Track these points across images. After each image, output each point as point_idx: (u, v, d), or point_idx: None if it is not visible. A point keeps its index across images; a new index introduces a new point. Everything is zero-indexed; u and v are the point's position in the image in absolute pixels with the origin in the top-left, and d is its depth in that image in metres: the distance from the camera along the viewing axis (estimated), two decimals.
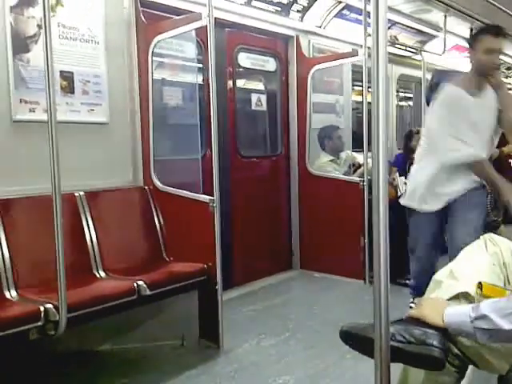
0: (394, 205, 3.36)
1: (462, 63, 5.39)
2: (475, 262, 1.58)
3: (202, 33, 2.80)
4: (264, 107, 4.36)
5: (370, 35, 1.11)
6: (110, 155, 3.01)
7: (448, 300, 1.44)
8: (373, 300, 1.10)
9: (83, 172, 2.83)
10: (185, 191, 2.95)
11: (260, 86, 4.48)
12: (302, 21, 4.27)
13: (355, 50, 4.07)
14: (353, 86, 4.79)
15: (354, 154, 4.44)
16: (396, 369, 1.47)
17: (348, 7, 4.39)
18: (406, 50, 5.41)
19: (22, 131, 2.62)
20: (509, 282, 1.57)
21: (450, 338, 1.37)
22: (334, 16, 4.44)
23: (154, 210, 3.08)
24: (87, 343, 2.76)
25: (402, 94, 6.27)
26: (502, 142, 3.15)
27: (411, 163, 3.23)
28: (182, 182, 3.07)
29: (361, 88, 4.14)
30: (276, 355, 2.74)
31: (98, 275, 2.70)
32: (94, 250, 2.74)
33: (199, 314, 2.85)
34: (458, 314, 1.33)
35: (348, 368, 2.52)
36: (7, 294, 2.35)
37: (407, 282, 3.44)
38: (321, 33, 4.48)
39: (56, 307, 2.12)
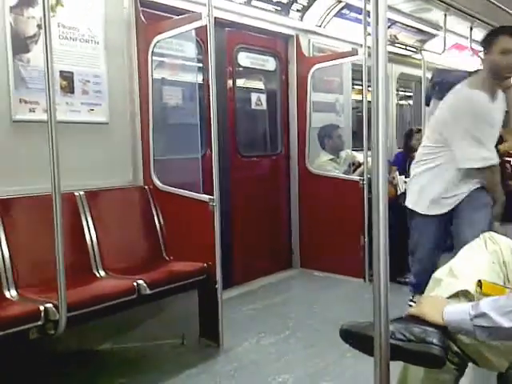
0: (394, 204, 3.36)
1: (462, 62, 5.40)
2: (475, 261, 1.58)
3: (201, 32, 2.80)
4: (264, 106, 4.36)
5: (369, 34, 1.11)
6: (110, 155, 3.02)
7: (448, 298, 1.45)
8: (373, 298, 1.10)
9: (83, 172, 2.84)
10: (185, 191, 2.95)
11: (260, 85, 4.48)
12: (301, 20, 4.28)
13: (355, 49, 4.07)
14: (353, 85, 4.80)
15: (353, 152, 4.44)
16: (396, 367, 1.47)
17: (348, 6, 4.39)
18: (405, 49, 5.41)
19: (22, 131, 2.63)
20: (508, 281, 1.57)
21: (449, 336, 1.38)
22: (334, 15, 4.44)
23: (153, 209, 3.09)
24: (87, 342, 2.76)
25: (401, 93, 6.27)
26: (498, 140, 3.14)
27: (411, 162, 3.20)
28: (182, 182, 3.08)
29: (361, 87, 4.14)
30: (276, 354, 2.75)
31: (97, 274, 2.70)
32: (93, 250, 2.74)
33: (199, 312, 2.85)
34: (457, 312, 1.34)
35: (348, 367, 2.52)
36: (7, 294, 2.35)
37: (406, 280, 3.41)
38: (321, 32, 4.48)
39: (56, 307, 2.12)
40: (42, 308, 2.12)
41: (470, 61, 5.41)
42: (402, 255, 3.33)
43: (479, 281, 1.46)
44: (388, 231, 1.09)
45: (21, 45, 2.61)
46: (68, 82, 2.81)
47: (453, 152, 2.74)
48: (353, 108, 4.88)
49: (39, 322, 2.11)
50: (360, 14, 4.12)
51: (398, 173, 4.19)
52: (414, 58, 5.58)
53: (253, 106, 4.28)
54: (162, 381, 2.45)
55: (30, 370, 2.45)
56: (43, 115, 2.25)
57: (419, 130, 4.53)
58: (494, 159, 2.71)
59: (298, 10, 4.18)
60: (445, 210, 2.82)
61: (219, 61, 3.35)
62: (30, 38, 2.64)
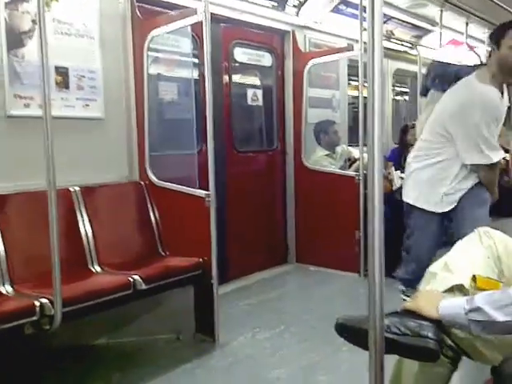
0: (390, 199, 3.37)
1: (457, 58, 5.40)
2: (470, 255, 1.59)
3: (197, 28, 2.79)
4: (260, 102, 4.35)
5: (365, 30, 1.11)
6: (106, 150, 3.01)
7: (443, 292, 1.46)
8: (368, 293, 1.11)
9: (78, 167, 2.83)
10: (180, 186, 2.95)
11: (256, 80, 4.47)
12: (297, 16, 4.27)
13: (351, 45, 4.07)
14: (349, 80, 4.80)
15: (349, 148, 4.44)
16: (390, 360, 1.48)
17: (344, 2, 4.38)
18: (401, 44, 5.42)
19: (17, 126, 2.61)
20: (503, 275, 1.58)
21: (443, 330, 1.39)
22: (330, 11, 4.43)
23: (149, 204, 3.08)
24: (83, 337, 2.76)
25: (397, 89, 6.28)
26: None
27: (406, 157, 3.18)
28: (177, 177, 3.07)
29: (357, 83, 4.14)
30: (271, 348, 2.76)
31: (93, 270, 2.70)
32: (89, 245, 2.73)
33: (195, 308, 2.86)
34: (452, 307, 1.35)
35: (343, 360, 2.54)
36: (2, 289, 2.34)
37: (398, 274, 3.13)
38: (317, 28, 4.47)
39: (51, 302, 2.12)
40: (37, 303, 2.11)
41: (466, 56, 5.41)
42: (397, 250, 3.32)
43: (474, 275, 1.47)
44: (383, 226, 1.10)
45: (15, 40, 2.59)
46: (63, 78, 2.80)
47: (457, 147, 2.67)
48: (349, 104, 4.88)
49: (34, 318, 2.10)
50: (356, 9, 4.11)
51: (393, 168, 4.20)
52: (409, 54, 5.59)
53: (249, 102, 4.27)
54: (158, 375, 2.46)
55: (26, 365, 2.45)
56: (38, 111, 2.24)
57: (414, 126, 4.54)
58: (499, 157, 2.67)
59: (294, 6, 4.17)
60: (450, 207, 2.74)
61: (215, 56, 3.33)
62: (24, 33, 2.62)
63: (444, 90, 2.81)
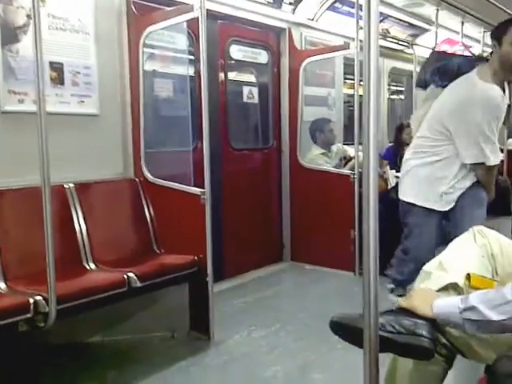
0: (384, 197, 3.37)
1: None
2: (464, 254, 1.60)
3: (193, 24, 2.78)
4: (256, 100, 4.35)
5: (362, 28, 1.11)
6: (101, 147, 2.99)
7: (437, 291, 1.46)
8: (362, 291, 1.11)
9: (73, 164, 2.81)
10: (176, 183, 2.94)
11: (252, 78, 4.46)
12: (294, 13, 4.26)
13: (347, 43, 4.06)
14: (344, 79, 4.80)
15: (345, 147, 4.45)
16: (385, 359, 1.48)
17: (340, 0, 4.38)
18: (397, 43, 5.42)
19: (11, 122, 2.60)
20: (497, 274, 1.58)
21: (438, 328, 1.39)
22: (327, 9, 4.43)
23: (144, 202, 3.07)
24: (77, 335, 2.75)
25: (393, 88, 6.29)
26: None
27: (402, 156, 3.17)
28: (172, 174, 3.06)
29: (352, 81, 4.14)
30: (266, 346, 2.76)
31: (87, 267, 2.69)
32: (83, 242, 2.72)
33: (190, 305, 2.85)
34: (447, 306, 1.35)
35: (337, 359, 2.54)
36: None
37: (391, 274, 3.04)
38: (313, 25, 4.47)
39: (45, 299, 2.11)
40: (31, 300, 2.10)
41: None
42: (391, 249, 3.33)
43: (468, 274, 1.47)
44: (378, 225, 1.10)
45: (10, 35, 2.58)
46: (58, 73, 2.78)
47: (456, 145, 2.62)
48: (344, 102, 4.88)
49: (28, 315, 2.09)
50: (352, 7, 4.11)
51: (388, 167, 4.21)
52: (405, 53, 5.60)
53: (244, 99, 4.27)
54: (153, 373, 2.45)
55: (21, 362, 2.44)
56: (32, 106, 2.23)
57: (410, 125, 4.55)
58: (499, 157, 2.64)
59: (290, 3, 4.17)
60: (449, 206, 2.71)
61: (211, 53, 3.33)
62: (19, 28, 2.60)
63: (444, 86, 2.75)
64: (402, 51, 5.61)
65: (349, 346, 1.41)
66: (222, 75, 3.94)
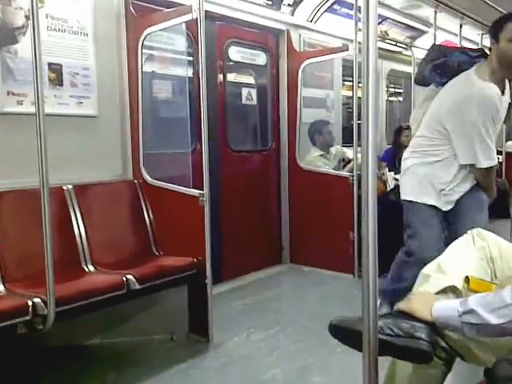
0: (383, 199, 3.38)
1: None
2: (463, 257, 1.60)
3: (192, 26, 2.78)
4: (254, 101, 4.35)
5: (360, 30, 1.11)
6: (99, 148, 2.99)
7: (436, 294, 1.46)
8: (361, 294, 1.11)
9: (72, 165, 2.81)
10: (174, 185, 2.94)
11: (250, 80, 4.46)
12: (292, 15, 4.27)
13: (346, 45, 4.07)
14: (343, 80, 4.80)
15: (343, 148, 4.45)
16: (384, 362, 1.48)
17: (339, 2, 4.38)
18: (396, 45, 5.43)
19: (10, 124, 2.59)
20: (496, 277, 1.58)
21: (437, 332, 1.39)
22: (325, 10, 4.43)
23: (143, 203, 3.07)
24: (76, 337, 2.75)
25: (391, 90, 6.29)
26: None
27: (400, 158, 3.15)
28: (171, 176, 3.06)
29: (351, 83, 4.14)
30: (265, 349, 2.75)
31: (86, 269, 2.68)
32: (82, 244, 2.72)
33: (189, 308, 2.85)
34: (446, 309, 1.35)
35: (337, 362, 2.54)
36: None
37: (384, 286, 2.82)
38: (312, 27, 4.47)
39: (44, 301, 2.10)
40: (29, 303, 2.10)
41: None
42: (391, 251, 3.32)
43: (466, 277, 1.47)
44: (377, 227, 1.10)
45: (8, 36, 2.57)
46: (57, 75, 2.78)
47: (453, 144, 2.58)
48: (343, 104, 4.89)
49: (27, 317, 2.09)
50: (351, 9, 4.11)
51: (387, 169, 4.21)
52: (404, 55, 5.61)
53: (243, 101, 4.27)
54: (152, 376, 2.45)
55: (20, 364, 2.43)
56: (31, 108, 2.22)
57: (408, 127, 4.55)
58: (493, 160, 2.58)
59: (289, 5, 4.17)
60: (449, 207, 2.66)
61: (210, 55, 3.33)
62: (17, 29, 2.60)
63: (443, 84, 2.69)
64: (400, 53, 5.61)
65: (348, 349, 1.41)
66: (220, 77, 3.94)
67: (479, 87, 2.49)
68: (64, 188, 2.76)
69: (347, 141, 4.33)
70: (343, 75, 4.68)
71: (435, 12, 4.80)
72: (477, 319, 1.27)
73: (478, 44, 5.53)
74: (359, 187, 3.59)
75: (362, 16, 1.08)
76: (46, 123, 2.06)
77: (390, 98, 6.33)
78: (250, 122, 4.57)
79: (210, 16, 3.41)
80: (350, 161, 4.31)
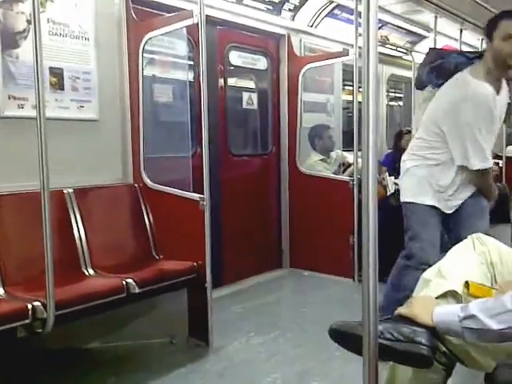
0: (384, 204, 3.37)
1: None
2: (463, 261, 1.60)
3: (193, 30, 2.79)
4: (255, 106, 4.36)
5: (361, 35, 1.11)
6: (100, 152, 2.99)
7: (436, 298, 1.46)
8: (361, 298, 1.11)
9: (72, 169, 2.81)
10: (175, 189, 2.94)
11: (251, 84, 4.47)
12: (293, 20, 4.28)
13: (346, 50, 4.08)
14: (343, 85, 4.81)
15: (344, 153, 4.45)
16: (384, 366, 1.48)
17: (339, 7, 4.40)
18: (396, 50, 5.44)
19: (11, 127, 2.60)
20: (496, 281, 1.58)
21: (437, 336, 1.39)
22: (326, 15, 4.44)
23: (143, 207, 3.07)
24: (76, 341, 2.74)
25: (392, 94, 6.31)
26: None
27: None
28: (172, 180, 3.06)
29: (351, 87, 4.15)
30: (265, 353, 2.75)
31: (86, 273, 2.68)
32: (82, 248, 2.72)
33: (189, 312, 2.84)
34: (446, 314, 1.35)
35: (337, 366, 2.53)
36: None
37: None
38: (312, 32, 4.48)
39: (44, 305, 2.10)
40: (29, 306, 2.09)
41: None
42: (391, 256, 3.31)
43: (466, 282, 1.47)
44: (377, 231, 1.10)
45: (10, 40, 2.58)
46: (58, 79, 2.79)
47: (449, 146, 2.54)
48: (343, 108, 4.89)
49: (27, 321, 2.09)
50: (351, 14, 4.12)
51: (387, 173, 4.21)
52: (404, 60, 5.62)
53: (244, 105, 4.28)
54: (152, 380, 2.44)
55: (20, 368, 2.43)
56: (32, 112, 2.23)
57: (409, 132, 4.55)
58: (487, 162, 2.53)
59: (289, 10, 4.18)
60: (450, 211, 2.62)
61: (210, 59, 3.34)
62: (19, 34, 2.61)
63: (440, 85, 2.67)
64: (400, 58, 5.63)
65: (348, 354, 1.40)
66: (221, 81, 3.95)
67: (473, 87, 2.45)
68: (64, 191, 2.76)
69: (347, 145, 4.34)
70: (343, 80, 4.69)
71: (435, 17, 4.81)
72: (477, 324, 1.27)
73: (478, 49, 5.55)
74: (359, 191, 3.59)
75: (363, 21, 1.08)
76: (46, 127, 2.07)
77: (391, 103, 6.35)
78: (250, 127, 4.58)
79: (210, 21, 3.42)
80: (350, 165, 4.31)
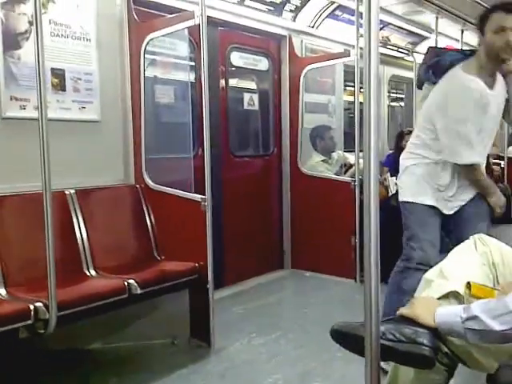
0: (385, 205, 3.37)
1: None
2: (465, 262, 1.59)
3: (194, 31, 2.79)
4: (256, 107, 4.36)
5: (362, 36, 1.11)
6: (102, 153, 3.00)
7: (438, 299, 1.46)
8: (363, 299, 1.11)
9: (74, 170, 2.82)
10: (176, 190, 2.94)
11: (252, 85, 4.48)
12: (294, 21, 4.28)
13: (347, 51, 4.08)
14: (345, 86, 4.81)
15: (345, 154, 4.46)
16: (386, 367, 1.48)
17: (341, 8, 4.40)
18: (397, 50, 5.44)
19: (12, 128, 2.60)
20: (498, 282, 1.58)
21: (439, 337, 1.38)
22: (327, 16, 4.45)
23: (145, 208, 3.07)
24: (78, 341, 2.74)
25: (393, 95, 6.31)
26: None
27: None
28: (173, 181, 3.07)
29: (353, 88, 4.15)
30: (267, 354, 2.75)
31: (88, 274, 2.68)
32: (84, 249, 2.72)
33: (190, 313, 2.84)
34: (449, 315, 1.34)
35: (338, 367, 2.53)
36: None
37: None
38: (313, 33, 4.48)
39: (46, 306, 2.10)
40: (31, 307, 2.09)
41: None
42: (392, 256, 3.29)
43: (468, 282, 1.47)
44: (379, 232, 1.10)
45: (12, 41, 2.59)
46: (59, 80, 2.79)
47: (441, 142, 2.50)
48: (345, 109, 4.90)
49: (29, 321, 2.09)
50: (352, 15, 4.12)
51: (389, 174, 4.20)
52: (405, 60, 5.62)
53: (245, 106, 4.28)
54: (153, 381, 2.44)
55: (22, 368, 2.43)
56: (34, 112, 2.23)
57: (410, 132, 4.55)
58: (474, 157, 2.46)
59: (290, 11, 4.19)
60: (450, 212, 2.58)
61: (212, 60, 3.34)
62: (21, 35, 2.62)
63: (435, 83, 2.62)
64: (402, 58, 5.63)
65: (349, 355, 1.40)
66: (222, 82, 3.95)
67: (461, 80, 2.43)
68: (66, 192, 2.76)
69: (349, 146, 4.34)
70: (345, 80, 4.69)
71: (436, 18, 4.81)
72: (480, 325, 1.26)
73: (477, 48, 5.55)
74: (361, 192, 3.59)
75: (364, 22, 1.08)
76: (48, 128, 2.07)
77: (392, 104, 6.35)
78: (251, 127, 4.58)
79: (212, 22, 3.43)
80: (351, 166, 4.31)
